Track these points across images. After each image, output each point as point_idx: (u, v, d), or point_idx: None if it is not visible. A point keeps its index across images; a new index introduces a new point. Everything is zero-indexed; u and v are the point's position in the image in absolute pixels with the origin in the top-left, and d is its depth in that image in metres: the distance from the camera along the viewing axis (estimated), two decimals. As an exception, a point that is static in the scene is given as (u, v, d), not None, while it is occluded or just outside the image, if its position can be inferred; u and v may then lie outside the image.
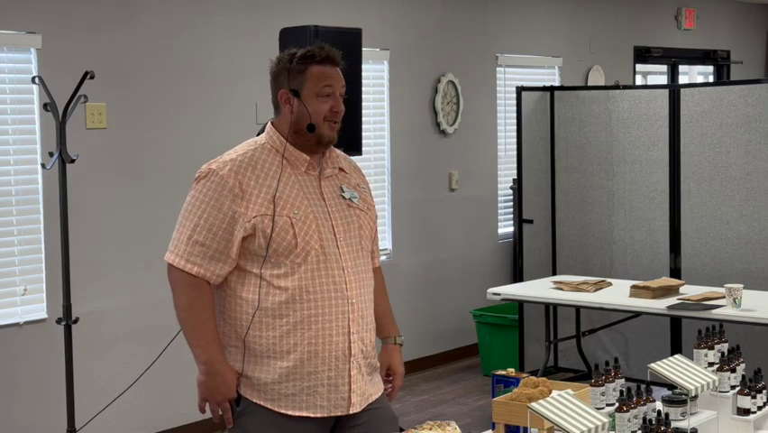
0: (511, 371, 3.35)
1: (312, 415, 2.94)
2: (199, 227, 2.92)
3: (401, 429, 3.16)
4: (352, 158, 3.25)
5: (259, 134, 3.11)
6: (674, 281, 5.72)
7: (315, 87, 2.96)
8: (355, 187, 3.09)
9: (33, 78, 4.97)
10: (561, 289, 5.87)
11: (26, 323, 5.28)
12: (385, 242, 7.12)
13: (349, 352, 2.96)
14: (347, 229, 3.00)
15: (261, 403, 2.94)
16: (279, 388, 2.92)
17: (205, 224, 2.91)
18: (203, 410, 3.02)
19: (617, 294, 5.69)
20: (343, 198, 3.03)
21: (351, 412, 2.98)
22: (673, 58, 10.38)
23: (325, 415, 2.95)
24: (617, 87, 7.15)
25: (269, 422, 2.94)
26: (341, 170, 3.08)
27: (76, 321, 4.75)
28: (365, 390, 3.02)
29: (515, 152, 7.14)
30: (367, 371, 3.03)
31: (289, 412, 2.92)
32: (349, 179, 3.09)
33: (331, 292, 2.92)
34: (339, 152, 3.14)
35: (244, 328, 2.93)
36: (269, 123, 3.05)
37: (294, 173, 2.97)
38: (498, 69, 8.10)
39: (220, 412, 3.00)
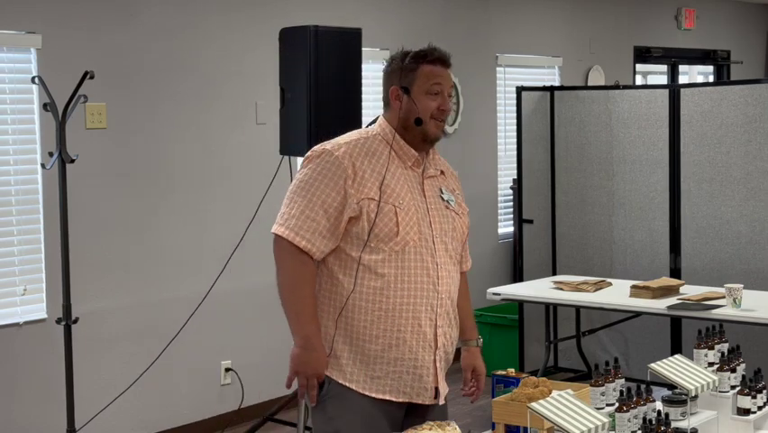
0: (511, 371, 3.35)
1: (394, 399, 3.04)
2: (312, 203, 2.98)
3: (401, 430, 3.17)
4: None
5: (369, 125, 3.23)
6: (674, 281, 5.72)
7: (424, 84, 3.07)
8: (452, 191, 3.21)
9: (33, 78, 4.97)
10: (561, 289, 5.87)
11: (26, 323, 5.28)
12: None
13: (435, 343, 3.07)
14: (443, 229, 3.10)
15: (346, 384, 3.02)
16: (366, 370, 3.01)
17: (317, 200, 2.98)
18: (289, 385, 3.05)
19: (617, 294, 5.69)
20: (442, 198, 3.14)
21: (439, 402, 3.11)
22: (673, 58, 10.38)
23: (408, 400, 3.06)
24: (617, 87, 7.15)
25: (350, 403, 3.02)
26: (442, 172, 3.20)
27: (76, 321, 4.75)
28: (444, 384, 3.14)
29: (515, 152, 7.14)
30: (445, 365, 3.15)
31: (373, 395, 3.02)
32: (448, 183, 3.21)
33: (424, 284, 3.02)
34: (440, 156, 3.25)
35: (338, 310, 3.01)
36: (380, 116, 3.17)
37: (401, 166, 3.07)
38: (498, 68, 8.10)
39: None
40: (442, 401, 3.13)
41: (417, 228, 3.02)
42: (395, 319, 2.99)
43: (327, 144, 3.07)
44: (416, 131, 3.07)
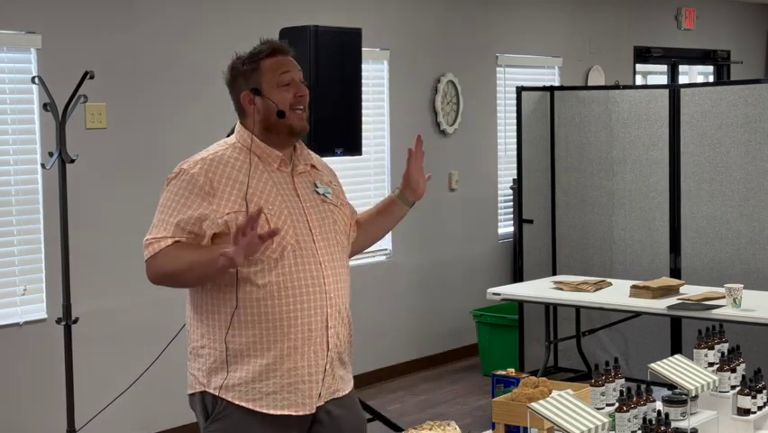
0: (511, 371, 3.35)
1: (294, 413, 2.92)
2: (167, 223, 2.88)
3: (401, 429, 3.16)
4: (318, 156, 3.26)
5: (228, 135, 3.12)
6: (674, 281, 5.72)
7: (272, 78, 2.98)
8: (328, 183, 3.11)
9: (33, 78, 4.97)
10: (561, 289, 5.87)
11: (26, 323, 5.28)
12: (385, 242, 7.11)
13: (327, 346, 2.96)
14: (322, 224, 3.00)
15: (242, 404, 2.90)
16: (261, 386, 2.90)
17: (173, 220, 2.88)
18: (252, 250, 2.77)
19: (617, 294, 5.69)
20: (317, 193, 3.04)
21: (316, 406, 2.96)
22: (673, 58, 10.38)
23: (308, 412, 2.94)
24: (617, 87, 7.15)
25: (247, 423, 2.91)
26: (312, 166, 3.11)
27: (76, 321, 4.75)
28: (332, 384, 3.01)
29: (515, 152, 7.14)
30: (337, 365, 3.02)
31: (272, 411, 2.90)
32: (321, 176, 3.11)
33: (309, 287, 2.92)
34: (309, 150, 3.16)
35: (224, 328, 2.90)
36: (238, 123, 3.06)
37: (266, 170, 2.97)
38: (498, 69, 8.10)
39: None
40: (320, 403, 2.96)
41: (293, 231, 2.91)
42: (284, 328, 2.88)
43: (184, 163, 2.96)
44: (281, 127, 2.97)
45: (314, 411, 2.95)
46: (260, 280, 2.87)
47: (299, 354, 2.90)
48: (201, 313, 2.95)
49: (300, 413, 2.93)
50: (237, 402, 2.91)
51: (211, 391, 2.93)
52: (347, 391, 3.08)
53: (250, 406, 2.90)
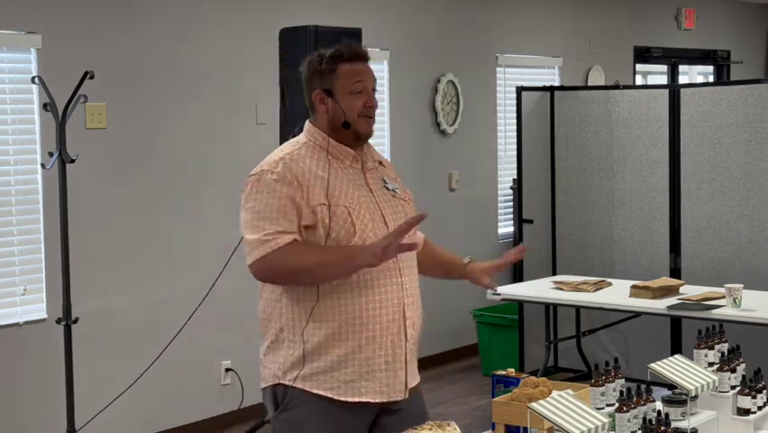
0: (511, 371, 3.35)
1: (371, 400, 3.00)
2: (274, 219, 2.93)
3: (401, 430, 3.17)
4: None
5: (295, 135, 3.17)
6: (674, 281, 5.72)
7: (346, 84, 3.02)
8: (395, 180, 3.20)
9: (33, 78, 4.97)
10: (561, 289, 5.87)
11: (26, 323, 5.28)
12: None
13: (405, 337, 3.05)
14: (395, 218, 3.07)
15: (319, 392, 2.97)
16: (338, 375, 2.97)
17: (278, 214, 2.92)
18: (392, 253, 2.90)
19: (617, 294, 5.69)
20: (387, 188, 3.12)
21: (405, 397, 3.06)
22: (673, 58, 10.38)
23: (385, 400, 3.02)
24: (617, 87, 7.15)
25: (322, 411, 2.98)
26: (380, 163, 3.18)
27: (76, 321, 4.75)
28: (412, 376, 3.11)
29: (515, 152, 7.14)
30: (412, 357, 3.11)
31: (349, 399, 2.98)
32: (388, 173, 3.19)
33: (387, 279, 2.99)
34: (374, 147, 3.22)
35: (303, 321, 2.97)
36: (307, 122, 3.12)
37: (340, 167, 3.04)
38: (498, 69, 8.10)
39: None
40: (406, 396, 3.06)
41: (372, 225, 2.98)
42: (362, 320, 2.96)
43: (263, 165, 3.01)
44: (347, 132, 3.04)
45: (393, 399, 3.03)
46: None
47: (377, 343, 2.99)
48: (280, 308, 3.01)
49: (378, 400, 3.01)
50: (314, 391, 2.97)
51: (286, 382, 3.00)
52: (417, 381, 3.17)
53: (327, 394, 2.97)
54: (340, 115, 3.02)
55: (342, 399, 2.97)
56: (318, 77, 3.04)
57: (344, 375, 2.97)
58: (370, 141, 3.14)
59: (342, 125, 3.02)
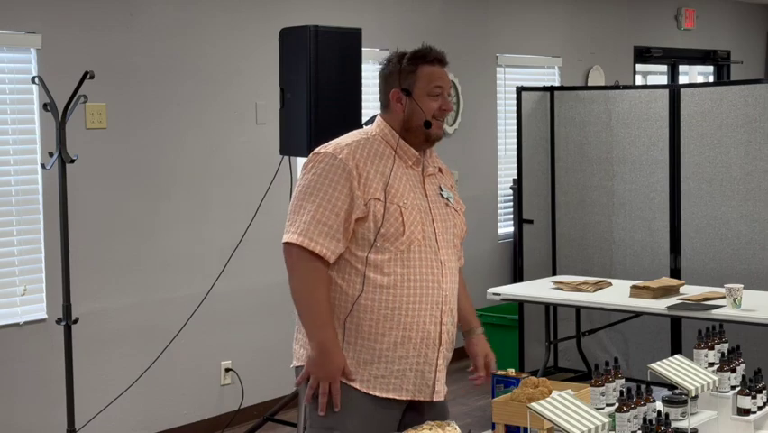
0: (511, 371, 3.35)
1: (398, 397, 3.06)
2: (322, 207, 2.98)
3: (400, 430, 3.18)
4: None
5: (366, 125, 3.22)
6: (674, 281, 5.71)
7: (426, 86, 3.09)
8: (450, 188, 3.24)
9: (33, 78, 4.97)
10: (561, 289, 5.87)
11: (26, 323, 5.28)
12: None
13: (439, 341, 3.11)
14: (444, 226, 3.13)
15: (349, 383, 3.03)
16: (370, 369, 3.03)
17: (327, 204, 2.98)
18: (299, 383, 3.05)
19: (617, 294, 5.69)
20: (442, 196, 3.17)
21: (434, 400, 3.11)
22: (673, 58, 10.38)
23: (410, 398, 3.08)
24: (617, 87, 7.14)
25: (353, 402, 3.03)
26: (440, 170, 3.23)
27: (76, 321, 4.75)
28: (444, 382, 3.16)
29: (515, 152, 7.14)
30: (446, 364, 3.17)
31: (377, 394, 3.03)
32: (445, 181, 3.23)
33: (429, 282, 3.05)
34: (437, 155, 3.27)
35: (345, 311, 3.02)
36: (379, 116, 3.17)
37: (402, 166, 3.09)
38: (498, 68, 8.10)
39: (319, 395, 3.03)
40: (441, 398, 3.15)
41: (421, 227, 3.04)
42: (401, 318, 3.02)
43: (329, 147, 3.07)
44: (420, 132, 3.09)
45: (418, 398, 3.08)
46: (386, 268, 3.01)
47: (412, 343, 3.04)
48: None
49: (404, 398, 3.07)
50: (345, 381, 3.03)
51: None
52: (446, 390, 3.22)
53: (357, 386, 3.03)
54: (418, 115, 3.07)
55: (371, 393, 3.04)
56: (398, 75, 3.10)
57: (376, 370, 3.02)
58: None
59: (424, 125, 3.07)
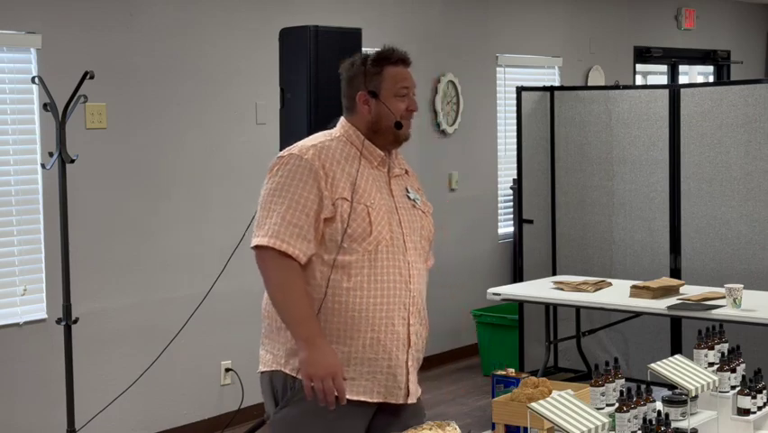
0: (511, 371, 3.35)
1: (369, 400, 3.02)
2: (291, 208, 2.95)
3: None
4: None
5: (328, 128, 3.20)
6: (674, 281, 5.71)
7: (392, 87, 3.08)
8: (417, 190, 3.22)
9: (33, 78, 4.97)
10: (561, 289, 5.87)
11: (26, 323, 5.28)
12: (385, 242, 7.10)
13: (408, 342, 3.06)
14: (411, 227, 3.11)
15: None
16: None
17: (297, 204, 2.95)
18: (310, 395, 2.91)
19: (617, 294, 5.69)
20: (408, 198, 3.15)
21: (408, 402, 3.08)
22: (673, 58, 10.38)
23: (381, 400, 3.04)
24: (617, 87, 7.14)
25: (319, 404, 2.98)
26: (406, 171, 3.22)
27: (76, 321, 4.75)
28: (415, 383, 3.12)
29: (515, 152, 7.14)
30: (415, 366, 3.12)
31: (348, 396, 2.98)
32: (412, 182, 3.22)
33: (396, 283, 3.02)
34: (402, 157, 3.26)
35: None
36: (343, 118, 3.15)
37: (368, 167, 3.08)
38: (498, 68, 8.10)
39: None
40: (413, 400, 3.11)
41: (389, 227, 3.02)
42: (369, 319, 2.98)
43: (294, 149, 3.04)
44: (389, 133, 3.07)
45: (389, 401, 3.04)
46: (352, 270, 2.97)
47: (381, 345, 3.01)
48: None
49: (375, 400, 3.04)
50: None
51: (287, 371, 3.01)
52: (419, 391, 3.18)
53: None
54: (388, 117, 3.06)
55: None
56: (362, 77, 3.09)
57: (346, 372, 2.97)
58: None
59: (395, 126, 3.06)
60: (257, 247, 2.96)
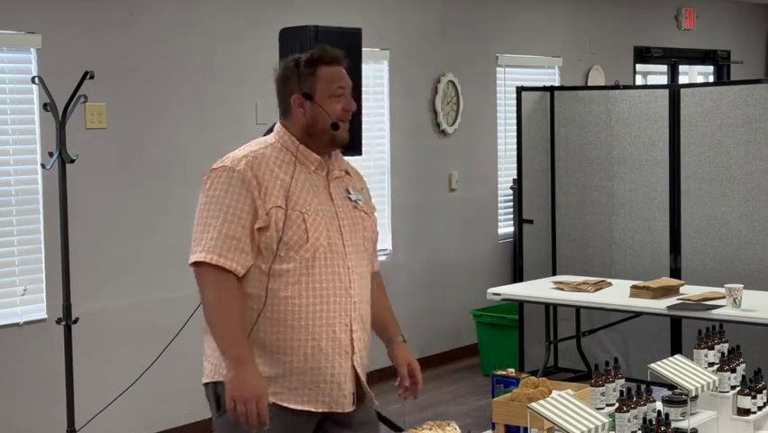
0: (511, 371, 3.35)
1: (313, 409, 2.97)
2: (228, 222, 2.91)
3: (401, 429, 3.18)
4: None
5: (266, 135, 3.16)
6: (674, 281, 5.72)
7: (327, 88, 3.02)
8: (360, 190, 3.16)
9: (33, 78, 4.97)
10: (561, 289, 5.87)
11: (26, 323, 5.28)
12: (384, 242, 7.11)
13: (351, 349, 3.00)
14: (352, 230, 3.05)
15: None
16: (284, 382, 2.95)
17: (233, 217, 2.91)
18: (232, 413, 2.89)
19: (617, 294, 5.69)
20: (350, 199, 3.09)
21: (347, 410, 3.02)
22: (673, 58, 10.38)
23: (326, 410, 2.99)
24: (617, 87, 7.15)
25: (270, 415, 2.94)
26: (346, 172, 3.15)
27: (76, 321, 4.75)
28: (358, 389, 3.05)
29: (515, 152, 7.14)
30: (360, 370, 3.06)
31: (292, 406, 2.95)
32: (354, 183, 3.15)
33: (336, 289, 2.97)
34: (343, 157, 3.20)
35: (250, 324, 2.94)
36: (278, 124, 3.09)
37: (304, 172, 3.02)
38: (498, 69, 8.10)
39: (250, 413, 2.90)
40: (353, 408, 3.03)
41: (326, 233, 2.97)
42: (309, 328, 2.93)
43: (226, 161, 2.99)
44: (325, 135, 3.01)
45: (334, 411, 2.99)
46: (290, 278, 2.93)
47: (323, 354, 2.95)
48: None
49: (319, 410, 2.98)
50: None
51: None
52: (365, 395, 3.11)
53: (272, 400, 2.93)
54: (323, 118, 2.99)
55: (285, 405, 2.95)
56: (296, 80, 3.03)
57: (289, 382, 2.94)
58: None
59: (332, 127, 3.00)
60: (195, 264, 2.92)
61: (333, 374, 2.97)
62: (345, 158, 3.22)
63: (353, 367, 3.01)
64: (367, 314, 3.07)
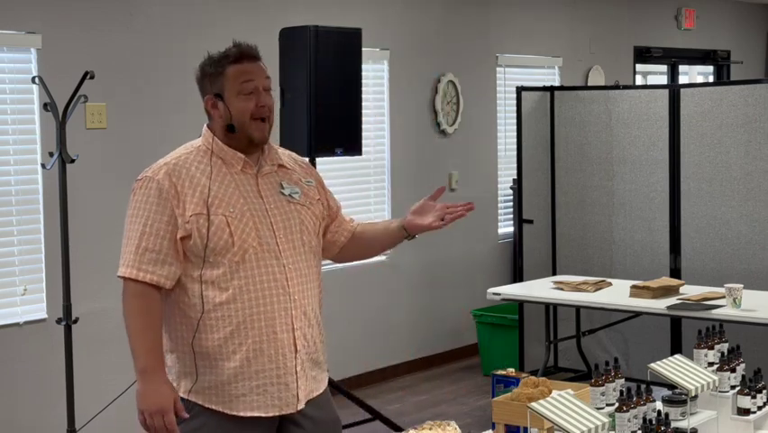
0: (511, 371, 3.35)
1: (264, 415, 2.93)
2: (146, 234, 2.90)
3: (401, 429, 3.17)
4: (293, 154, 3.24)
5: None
6: (674, 281, 5.72)
7: (234, 86, 2.98)
8: (297, 182, 3.08)
9: (33, 78, 4.97)
10: (561, 289, 5.87)
11: (26, 323, 5.28)
12: (385, 242, 7.09)
13: (294, 348, 2.95)
14: (287, 225, 2.99)
15: (212, 407, 2.93)
16: (230, 389, 2.91)
17: (150, 230, 2.90)
18: (144, 426, 2.89)
19: (617, 294, 5.69)
20: (283, 194, 3.02)
21: (298, 409, 2.97)
22: (673, 58, 10.38)
23: (278, 414, 2.94)
24: (617, 87, 7.15)
25: (219, 425, 2.93)
26: (280, 166, 3.08)
27: (76, 321, 4.75)
28: (307, 386, 3.00)
29: (515, 152, 7.14)
30: (309, 366, 3.01)
31: (241, 413, 2.91)
32: (290, 175, 3.08)
33: (272, 289, 2.92)
34: (283, 149, 3.16)
35: (191, 333, 2.92)
36: (205, 126, 3.08)
37: (230, 172, 2.97)
38: (498, 69, 8.11)
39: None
40: (301, 406, 2.97)
41: (255, 234, 2.91)
42: (248, 331, 2.88)
43: (149, 170, 2.98)
44: (241, 135, 2.97)
45: (285, 413, 2.95)
46: (222, 283, 2.89)
47: (266, 356, 2.91)
48: (167, 318, 2.97)
49: (270, 414, 2.94)
50: (207, 405, 2.93)
51: (181, 394, 2.94)
52: (321, 391, 3.07)
53: (220, 409, 2.92)
54: (235, 118, 2.97)
55: (235, 413, 2.91)
56: (208, 80, 3.02)
57: (236, 389, 2.91)
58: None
59: (227, 128, 2.97)
60: (120, 277, 2.93)
61: (278, 375, 2.92)
62: (287, 151, 3.17)
63: (296, 366, 2.94)
64: (311, 309, 3.00)
